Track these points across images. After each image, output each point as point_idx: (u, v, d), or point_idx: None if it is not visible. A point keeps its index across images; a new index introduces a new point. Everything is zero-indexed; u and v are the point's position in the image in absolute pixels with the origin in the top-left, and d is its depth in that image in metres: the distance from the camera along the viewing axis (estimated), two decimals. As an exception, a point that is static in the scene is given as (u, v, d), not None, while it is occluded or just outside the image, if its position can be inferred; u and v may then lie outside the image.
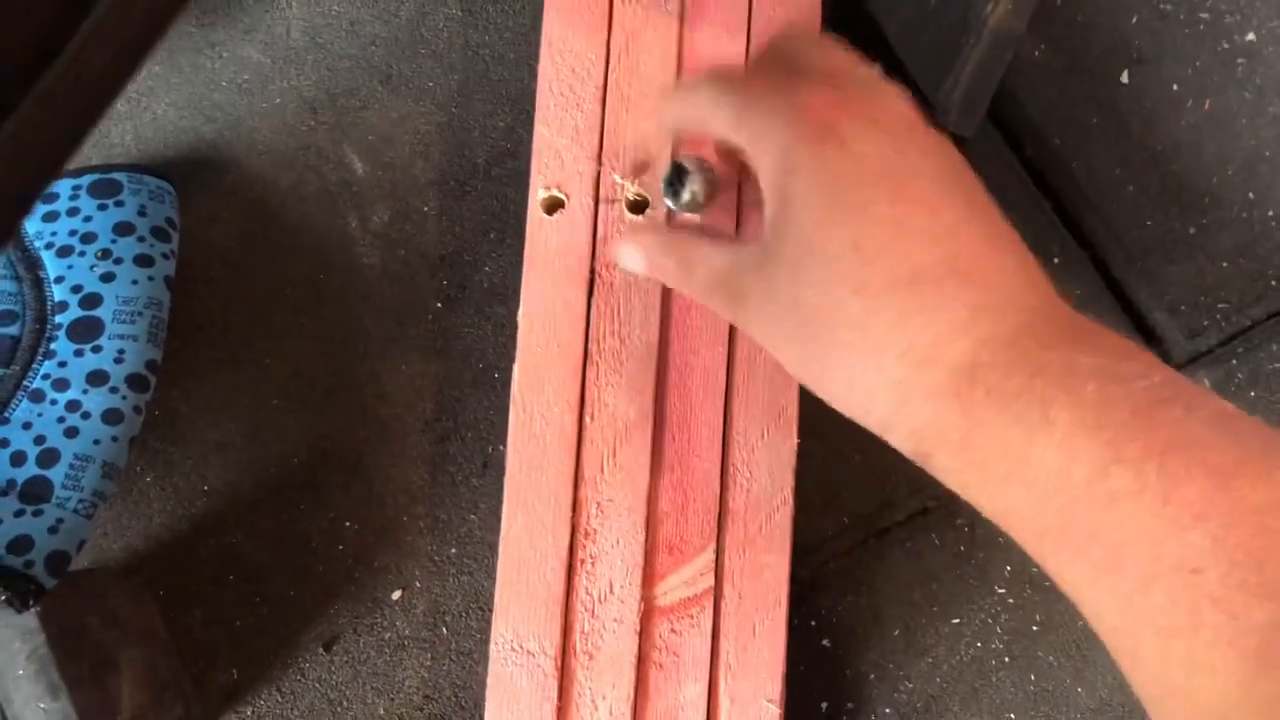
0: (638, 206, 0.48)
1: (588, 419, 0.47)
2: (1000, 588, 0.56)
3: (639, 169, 0.48)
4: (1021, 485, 0.28)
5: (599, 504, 0.46)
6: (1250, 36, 0.63)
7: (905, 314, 0.29)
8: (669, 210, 0.46)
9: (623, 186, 0.48)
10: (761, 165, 0.32)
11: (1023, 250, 0.31)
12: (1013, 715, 0.55)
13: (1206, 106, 0.63)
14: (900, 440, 0.31)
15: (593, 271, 0.48)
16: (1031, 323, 0.30)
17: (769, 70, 0.34)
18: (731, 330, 0.47)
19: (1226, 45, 0.63)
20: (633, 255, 0.37)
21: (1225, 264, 0.60)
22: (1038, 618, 0.56)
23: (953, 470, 0.30)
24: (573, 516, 0.46)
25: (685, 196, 0.42)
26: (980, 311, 0.29)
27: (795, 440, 0.47)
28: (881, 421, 0.31)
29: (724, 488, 0.46)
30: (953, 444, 0.29)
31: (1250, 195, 0.61)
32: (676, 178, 0.42)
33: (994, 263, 0.30)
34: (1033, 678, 0.55)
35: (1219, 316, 0.60)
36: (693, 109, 0.35)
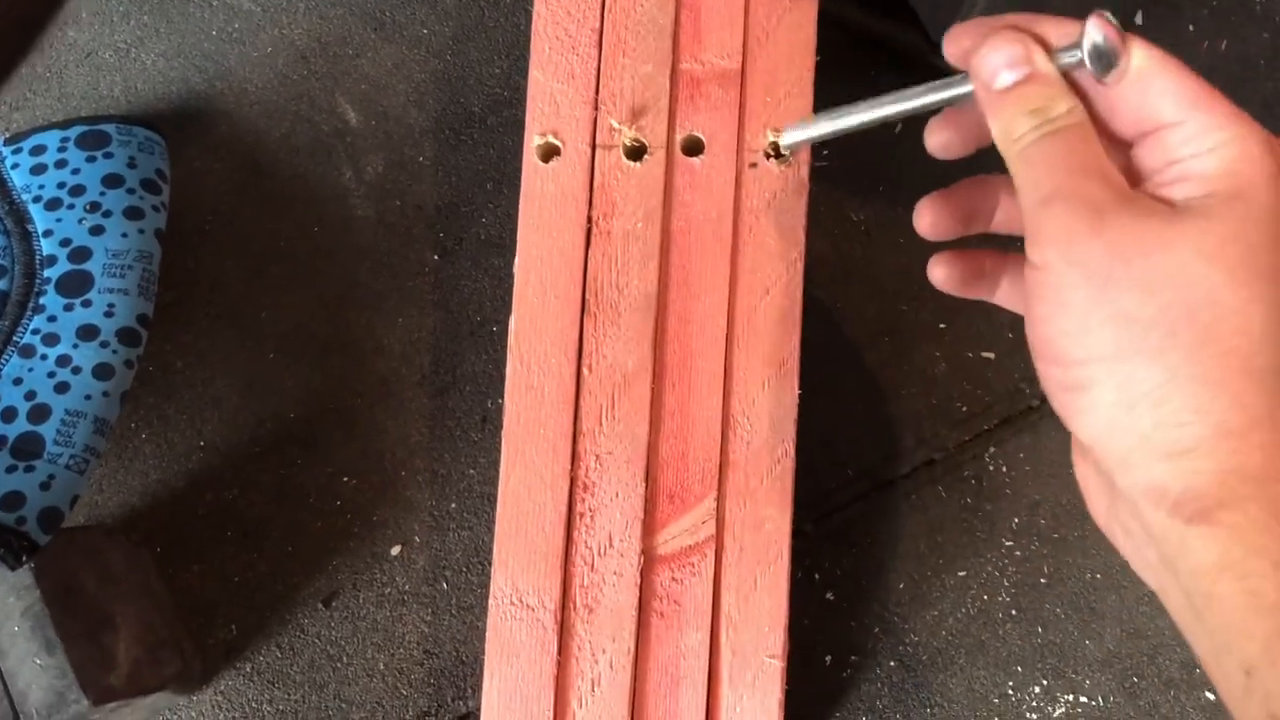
0: (635, 153, 0.47)
1: (586, 370, 0.46)
2: (1007, 540, 0.56)
3: (637, 114, 0.47)
4: None
5: (598, 456, 0.45)
6: (1269, -27, 0.61)
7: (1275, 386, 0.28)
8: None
9: (620, 132, 0.47)
10: (1218, 148, 0.30)
11: None
12: (1020, 668, 0.54)
13: (1224, 47, 0.61)
14: (1151, 488, 0.28)
15: (590, 220, 0.47)
16: None
17: None
18: (732, 279, 0.46)
19: (1244, -17, 0.61)
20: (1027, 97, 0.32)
21: (1240, 209, 0.59)
22: (1045, 570, 0.55)
23: (1226, 549, 0.27)
24: (571, 469, 0.45)
25: (1120, 67, 0.31)
26: None
27: (797, 392, 0.46)
28: (1150, 452, 0.28)
29: (725, 439, 0.45)
30: (1243, 521, 0.27)
31: (1267, 138, 0.60)
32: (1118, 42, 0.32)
33: None
34: (1040, 630, 0.54)
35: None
36: (1151, 67, 0.31)
